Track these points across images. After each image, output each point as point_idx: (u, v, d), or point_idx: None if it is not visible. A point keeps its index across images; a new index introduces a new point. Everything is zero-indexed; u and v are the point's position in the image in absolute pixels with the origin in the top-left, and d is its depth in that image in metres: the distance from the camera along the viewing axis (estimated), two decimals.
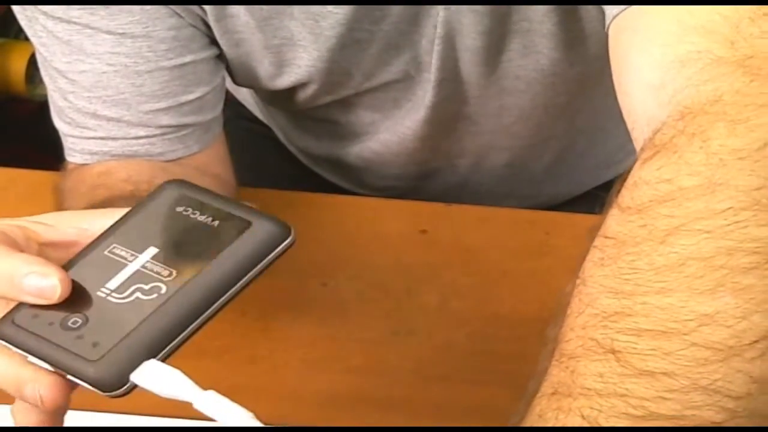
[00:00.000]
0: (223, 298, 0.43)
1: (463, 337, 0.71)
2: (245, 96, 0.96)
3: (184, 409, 0.67)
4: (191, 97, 0.68)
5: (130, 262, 0.43)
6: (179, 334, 0.42)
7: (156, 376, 0.41)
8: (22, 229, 0.45)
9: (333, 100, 0.76)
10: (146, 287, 0.42)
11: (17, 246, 0.44)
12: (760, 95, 0.42)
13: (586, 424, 0.37)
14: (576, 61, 0.71)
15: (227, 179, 0.72)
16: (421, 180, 0.88)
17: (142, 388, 0.42)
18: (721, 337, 0.37)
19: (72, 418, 0.65)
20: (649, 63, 0.47)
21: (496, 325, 0.70)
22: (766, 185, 0.39)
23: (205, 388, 0.42)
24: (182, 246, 0.44)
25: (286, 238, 0.44)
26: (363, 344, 0.71)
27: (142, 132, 0.67)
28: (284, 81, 0.72)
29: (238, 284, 0.43)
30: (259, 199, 0.78)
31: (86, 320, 0.42)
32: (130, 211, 0.45)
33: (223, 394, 0.68)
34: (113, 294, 0.42)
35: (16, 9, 0.67)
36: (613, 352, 0.38)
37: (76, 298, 0.42)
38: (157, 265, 0.43)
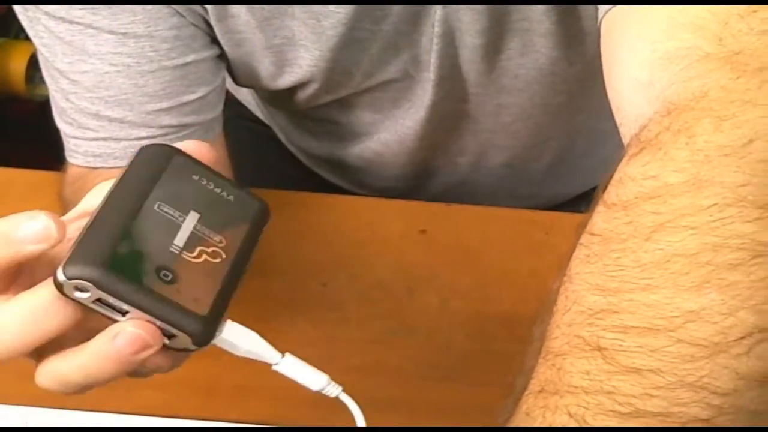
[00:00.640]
0: (246, 269, 0.46)
1: (463, 337, 0.71)
2: (246, 96, 0.96)
3: (184, 409, 0.67)
4: (193, 96, 0.68)
5: (182, 223, 0.44)
6: (231, 299, 0.45)
7: (238, 336, 0.45)
8: None
9: (333, 99, 0.76)
10: (209, 250, 0.44)
11: None
12: (746, 91, 0.41)
13: (573, 422, 0.37)
14: (575, 60, 0.72)
15: None
16: (421, 180, 0.88)
17: (220, 346, 0.44)
18: (707, 334, 0.37)
19: (72, 418, 0.66)
20: (638, 59, 0.47)
21: (496, 325, 0.70)
22: (751, 182, 0.39)
23: (282, 356, 0.46)
24: (216, 215, 0.46)
25: (268, 215, 0.48)
26: (363, 344, 0.71)
27: (144, 133, 0.67)
28: (285, 81, 0.72)
29: (251, 258, 0.47)
30: None
31: (175, 275, 0.43)
32: (152, 170, 0.46)
33: (223, 394, 0.69)
34: (185, 253, 0.43)
35: (18, 9, 0.67)
36: (600, 349, 0.38)
37: (158, 251, 0.43)
38: (206, 230, 0.45)
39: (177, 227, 0.44)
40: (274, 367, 0.46)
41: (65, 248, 0.42)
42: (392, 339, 0.71)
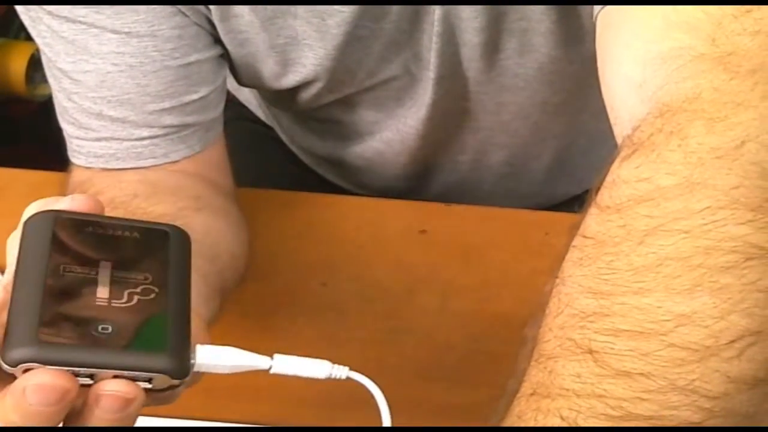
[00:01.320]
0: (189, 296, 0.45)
1: (463, 337, 0.71)
2: (247, 97, 0.96)
3: (184, 409, 0.67)
4: (195, 96, 0.67)
5: (97, 276, 0.43)
6: (188, 325, 0.44)
7: (216, 355, 0.44)
8: None
9: (336, 99, 0.76)
10: (137, 290, 0.43)
11: None
12: (738, 93, 0.41)
13: (565, 425, 0.37)
14: (575, 59, 0.71)
15: (224, 184, 0.72)
16: (422, 179, 0.88)
17: (205, 371, 0.44)
18: (698, 338, 0.37)
19: None
20: (632, 59, 0.47)
21: (496, 325, 0.70)
22: (743, 184, 0.39)
23: (272, 358, 0.46)
24: (128, 256, 0.44)
25: (186, 237, 0.48)
26: (363, 344, 0.71)
27: (145, 133, 0.67)
28: (289, 80, 0.72)
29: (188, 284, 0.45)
30: (260, 199, 0.78)
31: (115, 325, 0.42)
32: (41, 239, 0.44)
33: (223, 394, 0.69)
34: (113, 302, 0.42)
35: (20, 9, 0.67)
36: (591, 352, 0.38)
37: (86, 310, 0.42)
38: (124, 273, 0.43)
39: (93, 281, 0.43)
40: (271, 371, 0.45)
41: None
42: (392, 339, 0.71)
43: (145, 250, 0.45)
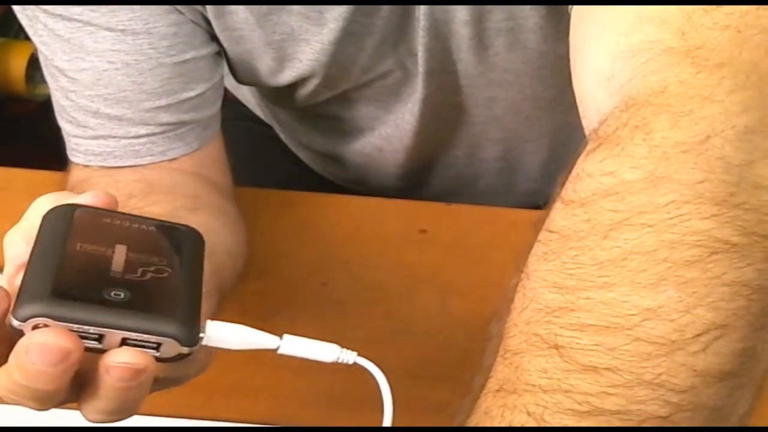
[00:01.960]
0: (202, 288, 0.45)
1: (463, 337, 0.71)
2: (246, 95, 0.96)
3: (184, 409, 0.67)
4: (191, 94, 0.67)
5: (113, 255, 0.44)
6: (200, 303, 0.44)
7: (226, 332, 0.44)
8: None
9: (334, 95, 0.77)
10: (151, 269, 0.44)
11: None
12: (705, 87, 0.41)
13: (532, 421, 0.37)
14: (564, 54, 0.72)
15: (222, 183, 0.72)
16: (419, 175, 0.88)
17: (214, 346, 0.44)
18: (664, 332, 0.37)
19: (72, 418, 0.66)
20: (602, 52, 0.47)
21: None
22: (708, 178, 0.39)
23: (281, 338, 0.45)
24: (144, 243, 0.45)
25: (200, 238, 0.49)
26: (363, 344, 0.71)
27: (143, 130, 0.67)
28: (286, 76, 0.73)
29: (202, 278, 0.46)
30: (260, 198, 0.78)
31: (128, 293, 0.42)
32: (62, 223, 0.45)
33: (223, 394, 0.69)
34: (128, 275, 0.43)
35: (17, 8, 0.67)
36: (557, 347, 0.38)
37: (100, 278, 0.42)
38: (139, 255, 0.44)
39: (109, 258, 0.43)
40: (279, 351, 0.45)
41: None
42: (392, 339, 0.71)
43: (160, 240, 0.46)
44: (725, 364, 0.37)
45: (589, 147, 0.42)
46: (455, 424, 0.41)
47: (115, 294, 0.42)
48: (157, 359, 0.42)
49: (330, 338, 0.71)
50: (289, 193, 0.80)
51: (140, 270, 0.43)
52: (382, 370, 0.45)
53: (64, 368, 0.41)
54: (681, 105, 0.41)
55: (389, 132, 0.81)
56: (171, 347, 0.42)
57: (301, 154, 0.95)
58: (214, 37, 0.69)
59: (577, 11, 0.52)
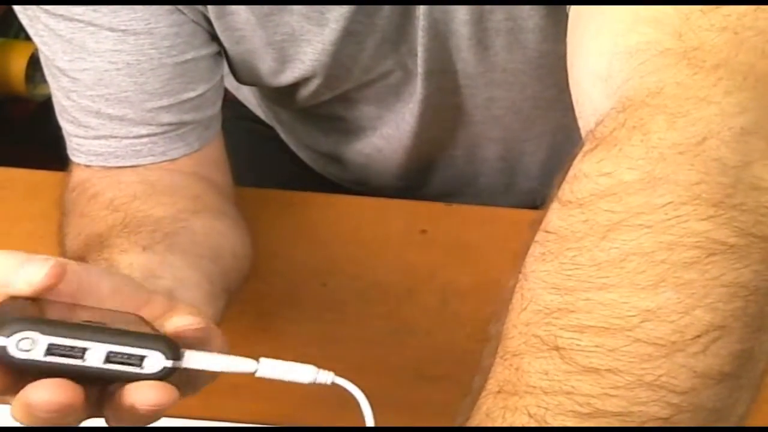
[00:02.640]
0: None
1: (463, 337, 0.71)
2: (247, 96, 0.96)
3: (184, 409, 0.67)
4: (192, 94, 0.68)
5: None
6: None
7: (203, 358, 0.44)
8: None
9: (334, 95, 0.77)
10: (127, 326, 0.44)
11: None
12: (701, 88, 0.41)
13: (533, 423, 0.37)
14: (564, 53, 0.72)
15: (223, 183, 0.72)
16: (419, 174, 0.88)
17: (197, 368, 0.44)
18: (663, 333, 0.37)
19: None
20: (599, 52, 0.47)
21: None
22: (705, 180, 0.39)
23: (258, 361, 0.45)
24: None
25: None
26: (363, 344, 0.71)
27: (144, 131, 0.67)
28: (287, 77, 0.73)
29: None
30: (260, 199, 0.78)
31: (105, 322, 0.43)
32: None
33: (223, 394, 0.69)
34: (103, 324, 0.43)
35: (18, 8, 0.67)
36: (557, 349, 0.38)
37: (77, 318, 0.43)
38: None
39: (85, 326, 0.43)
40: (257, 374, 0.45)
41: None
42: (392, 339, 0.71)
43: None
44: (724, 365, 0.37)
45: (586, 147, 0.42)
46: (456, 425, 0.41)
47: (95, 323, 0.42)
48: (141, 377, 0.42)
49: (330, 338, 0.71)
50: (289, 193, 0.80)
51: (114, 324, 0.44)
52: (366, 384, 0.45)
53: (71, 417, 0.41)
54: (678, 106, 0.41)
55: (390, 132, 0.81)
56: (155, 361, 0.42)
57: (302, 154, 0.95)
58: (214, 38, 0.69)
59: (574, 11, 0.52)
